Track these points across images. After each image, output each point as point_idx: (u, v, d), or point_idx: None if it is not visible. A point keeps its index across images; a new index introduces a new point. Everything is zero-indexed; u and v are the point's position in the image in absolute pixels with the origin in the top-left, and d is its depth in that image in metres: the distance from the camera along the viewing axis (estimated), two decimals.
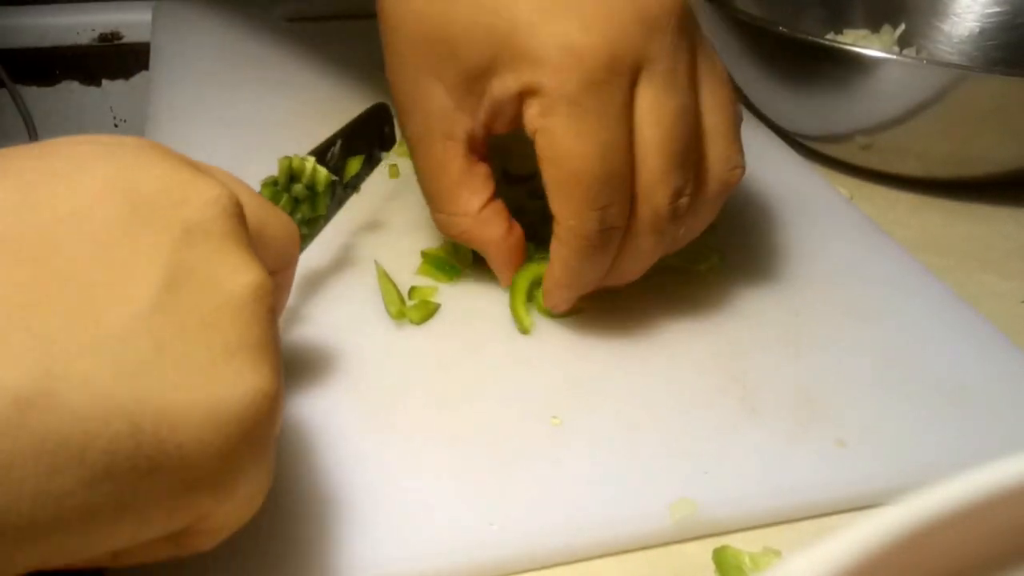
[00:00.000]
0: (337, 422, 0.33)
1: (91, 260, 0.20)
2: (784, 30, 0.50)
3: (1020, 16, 0.64)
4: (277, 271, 0.30)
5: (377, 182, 0.49)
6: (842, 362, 0.37)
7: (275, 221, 0.29)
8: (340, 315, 0.39)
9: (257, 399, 0.22)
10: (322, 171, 0.39)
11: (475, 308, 0.40)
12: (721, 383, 0.36)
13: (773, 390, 0.36)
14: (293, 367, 0.36)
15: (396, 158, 0.51)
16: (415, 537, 0.29)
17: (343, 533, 0.29)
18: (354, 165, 0.42)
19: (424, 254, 0.42)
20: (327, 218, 0.41)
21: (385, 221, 0.46)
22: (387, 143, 0.45)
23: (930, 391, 0.36)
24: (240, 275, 0.23)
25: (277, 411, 0.23)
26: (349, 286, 0.41)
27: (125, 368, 0.20)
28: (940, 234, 0.50)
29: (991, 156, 0.51)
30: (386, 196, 0.48)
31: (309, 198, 0.39)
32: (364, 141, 0.44)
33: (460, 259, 0.42)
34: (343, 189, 0.42)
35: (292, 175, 0.39)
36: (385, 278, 0.40)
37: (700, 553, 0.30)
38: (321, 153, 0.41)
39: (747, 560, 0.29)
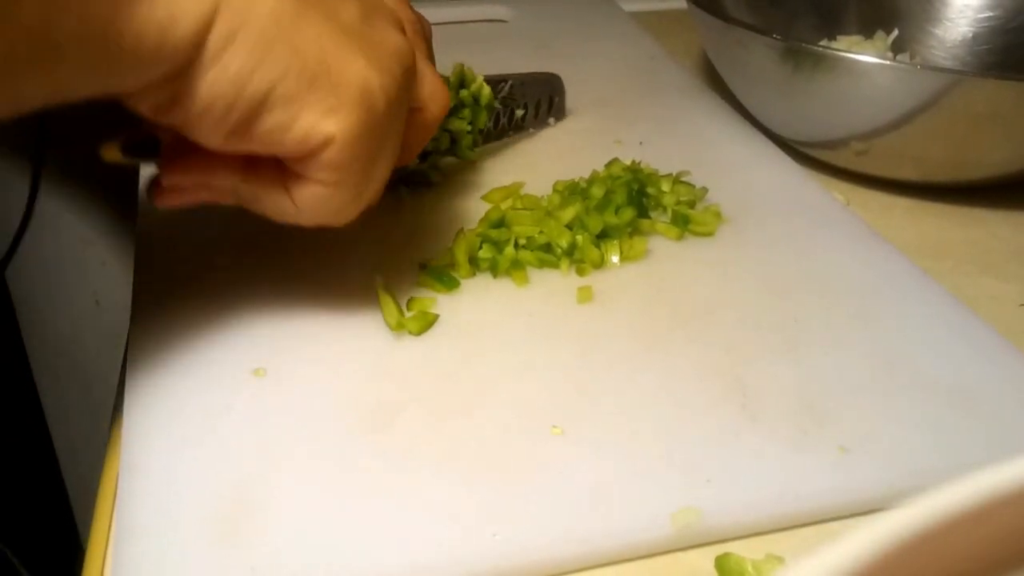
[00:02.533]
0: (337, 433, 0.33)
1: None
2: (778, 37, 0.50)
3: (1013, 20, 0.64)
4: (420, 107, 0.39)
5: None
6: (842, 368, 0.37)
7: (432, 78, 0.40)
8: (339, 327, 0.39)
9: (404, 47, 0.36)
10: (487, 88, 0.49)
11: (474, 319, 0.40)
12: (722, 390, 0.36)
13: (774, 397, 0.36)
14: (292, 381, 0.36)
15: None
16: (417, 548, 0.29)
17: (344, 544, 0.29)
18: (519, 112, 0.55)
19: (422, 265, 0.42)
20: (485, 139, 0.52)
21: (384, 233, 0.46)
22: (558, 112, 0.58)
23: (930, 395, 0.36)
24: (396, 36, 0.36)
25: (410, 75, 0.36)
26: (348, 298, 0.41)
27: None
28: (937, 238, 0.50)
29: (987, 160, 0.51)
30: (385, 208, 0.48)
31: (472, 106, 0.49)
32: (534, 96, 0.56)
33: (459, 271, 0.42)
34: (509, 126, 0.54)
35: (463, 81, 0.48)
36: (384, 290, 0.40)
37: (703, 561, 0.30)
38: (494, 82, 0.51)
39: (750, 567, 0.29)
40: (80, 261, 0.95)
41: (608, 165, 0.50)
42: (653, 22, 0.79)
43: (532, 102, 0.56)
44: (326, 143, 0.33)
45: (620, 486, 0.31)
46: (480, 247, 0.43)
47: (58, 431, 0.97)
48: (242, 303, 0.40)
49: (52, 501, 0.96)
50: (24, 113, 0.28)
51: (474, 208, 0.48)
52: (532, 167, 0.52)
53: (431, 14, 0.75)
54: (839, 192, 0.53)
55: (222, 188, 0.36)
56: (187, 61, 0.30)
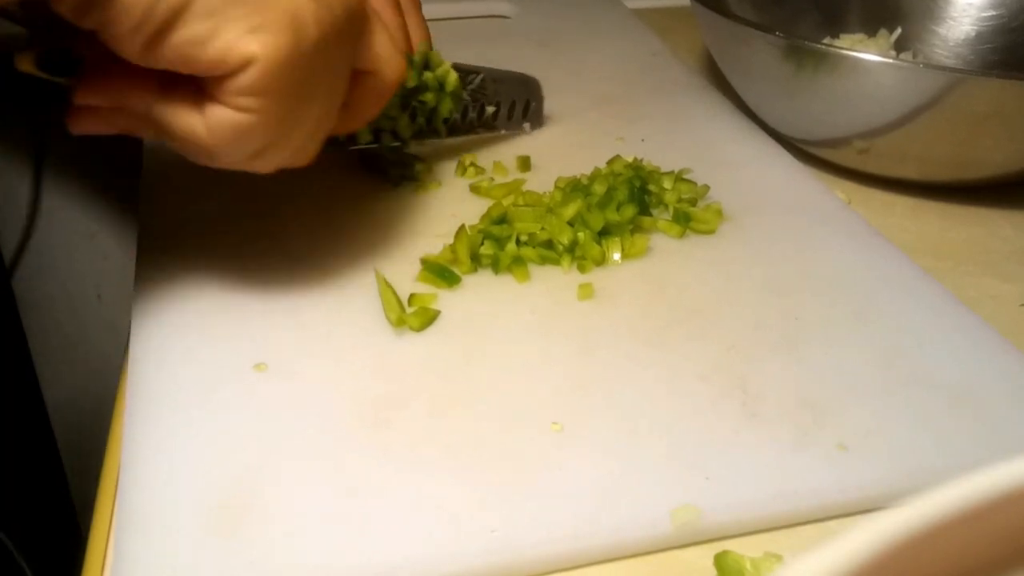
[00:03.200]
0: (338, 428, 0.33)
1: None
2: (781, 35, 0.50)
3: (1015, 19, 0.64)
4: (371, 71, 0.38)
5: (377, 189, 0.49)
6: (842, 366, 0.37)
7: (386, 44, 0.38)
8: (340, 322, 0.39)
9: None
10: (454, 74, 0.47)
11: (475, 315, 0.40)
12: (722, 388, 0.36)
13: (774, 394, 0.36)
14: (293, 376, 0.36)
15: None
16: (417, 543, 0.29)
17: (345, 540, 0.29)
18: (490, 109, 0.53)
19: (424, 261, 0.42)
20: (451, 131, 0.50)
21: (385, 229, 0.46)
22: (534, 119, 0.56)
23: (930, 394, 0.36)
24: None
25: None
26: (349, 293, 0.41)
27: None
28: (938, 237, 0.50)
29: (989, 159, 0.51)
30: (386, 205, 0.48)
31: (436, 90, 0.47)
32: (508, 96, 0.54)
33: (460, 267, 0.42)
34: (479, 121, 0.52)
35: (427, 63, 0.46)
36: (385, 285, 0.40)
37: (702, 558, 0.30)
38: (464, 71, 0.49)
39: (748, 565, 0.29)
40: (82, 255, 0.95)
41: (610, 162, 0.50)
42: (656, 19, 0.79)
43: (506, 101, 0.54)
44: (245, 63, 0.32)
45: (620, 483, 0.31)
46: (482, 243, 0.43)
47: (60, 423, 0.97)
48: (244, 298, 0.40)
49: (53, 493, 0.96)
50: None
51: (475, 204, 0.48)
52: (534, 164, 0.52)
53: (433, 10, 0.75)
54: (841, 191, 0.53)
55: (137, 111, 0.34)
56: None
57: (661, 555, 0.30)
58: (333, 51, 0.34)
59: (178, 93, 0.34)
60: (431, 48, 0.47)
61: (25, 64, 0.33)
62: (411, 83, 0.46)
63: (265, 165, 0.36)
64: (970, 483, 0.13)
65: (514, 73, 0.54)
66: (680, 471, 0.32)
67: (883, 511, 0.12)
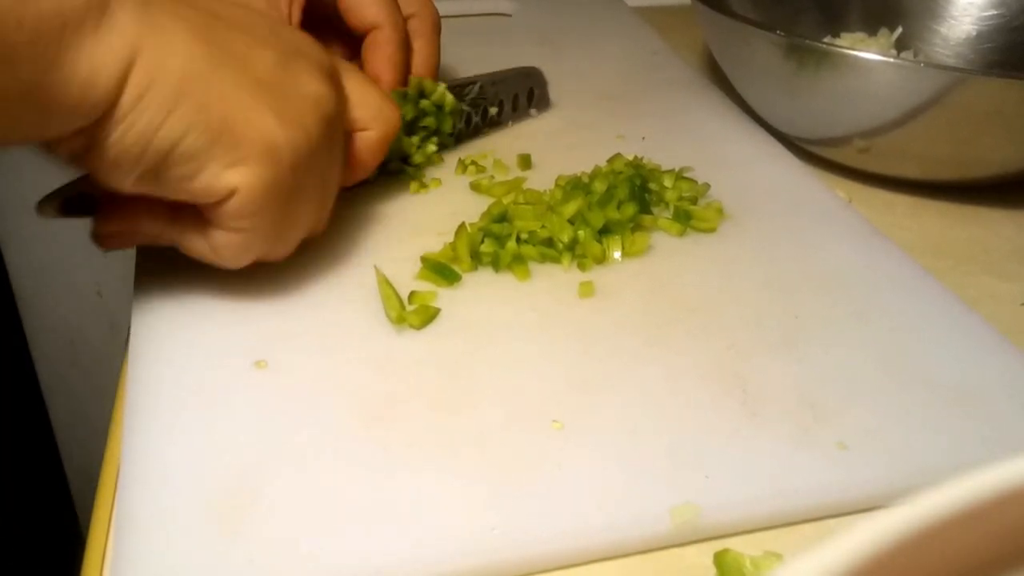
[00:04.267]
0: (338, 427, 0.33)
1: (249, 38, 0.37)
2: (781, 33, 0.50)
3: (1016, 19, 0.64)
4: (366, 129, 0.43)
5: (378, 187, 0.49)
6: (843, 365, 0.37)
7: (372, 101, 0.42)
8: (340, 320, 0.39)
9: (323, 96, 0.38)
10: (449, 95, 0.51)
11: (475, 313, 0.40)
12: (722, 387, 0.36)
13: (774, 393, 0.36)
14: (293, 374, 0.36)
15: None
16: (416, 541, 0.29)
17: (344, 537, 0.29)
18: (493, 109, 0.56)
19: (424, 259, 0.42)
20: (458, 140, 0.54)
21: (385, 226, 0.46)
22: (540, 103, 0.59)
23: (931, 393, 0.36)
24: (315, 85, 0.38)
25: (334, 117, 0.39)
26: (349, 291, 0.41)
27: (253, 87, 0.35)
28: (939, 236, 0.50)
29: (989, 158, 0.51)
30: (386, 202, 0.48)
31: (435, 113, 0.51)
32: (509, 92, 0.57)
33: (460, 265, 0.42)
34: (484, 123, 0.56)
35: (422, 92, 0.50)
36: (385, 283, 0.40)
37: (701, 557, 0.30)
38: (460, 86, 0.53)
39: (748, 563, 0.29)
40: (82, 252, 0.95)
41: (610, 160, 0.50)
42: (657, 17, 0.79)
43: (508, 98, 0.57)
44: (229, 194, 0.35)
45: (620, 481, 0.31)
46: (482, 241, 0.43)
47: (59, 421, 0.97)
48: (244, 295, 0.40)
49: (53, 491, 0.96)
50: None
51: (476, 202, 0.48)
52: (534, 162, 0.52)
53: None
54: (841, 189, 0.53)
55: (149, 234, 0.39)
56: (102, 115, 0.32)
57: (661, 553, 0.30)
58: (313, 160, 0.38)
59: (184, 216, 0.38)
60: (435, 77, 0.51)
61: (50, 211, 0.39)
62: (409, 116, 0.49)
63: (278, 255, 0.40)
64: (970, 482, 0.13)
65: (511, 70, 0.57)
66: (680, 469, 0.32)
67: (883, 510, 0.12)
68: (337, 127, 0.40)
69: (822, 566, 0.12)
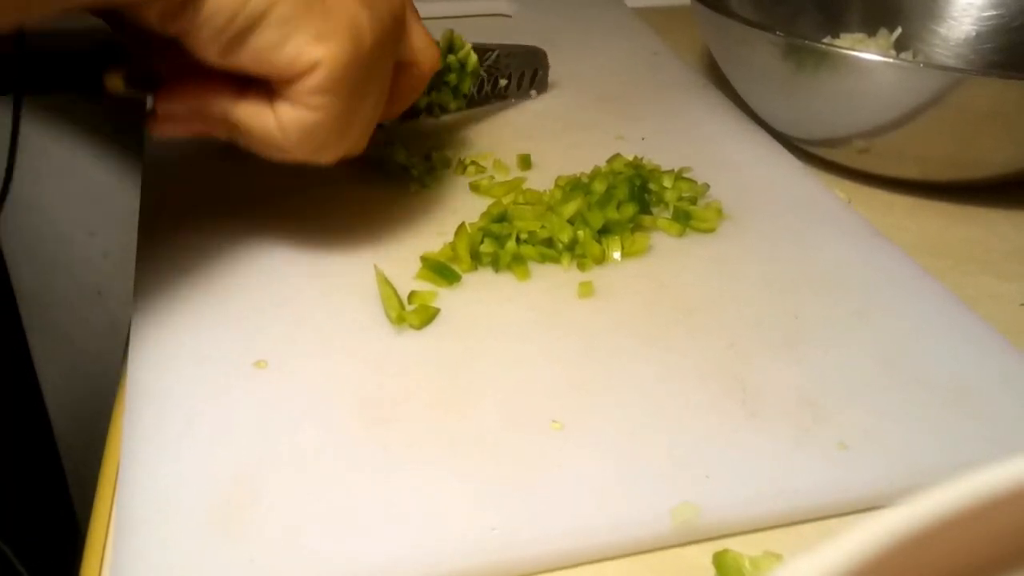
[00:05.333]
0: (338, 426, 0.33)
1: None
2: (781, 34, 0.50)
3: (1016, 19, 0.64)
4: (410, 62, 0.43)
5: (377, 186, 0.49)
6: (842, 365, 0.37)
7: (422, 36, 0.43)
8: (340, 320, 0.39)
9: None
10: (474, 55, 0.53)
11: (475, 313, 0.40)
12: (722, 387, 0.36)
13: (774, 393, 0.36)
14: (292, 373, 0.36)
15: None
16: (416, 541, 0.29)
17: (344, 537, 0.29)
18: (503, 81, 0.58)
19: (423, 259, 0.42)
20: (469, 104, 0.56)
21: (385, 226, 0.46)
22: (540, 86, 0.61)
23: (930, 393, 0.36)
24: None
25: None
26: (349, 291, 0.41)
27: None
28: (938, 237, 0.50)
29: (989, 159, 0.51)
30: (386, 202, 0.48)
31: (458, 70, 0.52)
32: (519, 68, 0.59)
33: (460, 265, 0.42)
34: (492, 93, 0.58)
35: (451, 46, 0.51)
36: (385, 283, 0.40)
37: (701, 557, 0.30)
38: (481, 50, 0.55)
39: (748, 564, 0.29)
40: (83, 253, 0.95)
41: (610, 160, 0.50)
42: (656, 18, 0.79)
43: (516, 73, 0.59)
44: (313, 66, 0.35)
45: (619, 481, 0.31)
46: (482, 241, 0.43)
47: (59, 421, 0.97)
48: (244, 295, 0.40)
49: (52, 491, 0.96)
50: (32, 21, 0.31)
51: (476, 202, 0.48)
52: (534, 162, 0.52)
53: (434, 8, 0.75)
54: (841, 190, 0.53)
55: (214, 115, 0.38)
56: None
57: (661, 553, 0.30)
58: (383, 53, 0.38)
59: (250, 95, 0.38)
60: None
61: (114, 82, 0.38)
62: (437, 66, 0.49)
63: (328, 156, 0.40)
64: (970, 482, 0.13)
65: (523, 46, 0.60)
66: (680, 469, 0.32)
67: (883, 510, 0.12)
68: (401, 34, 0.40)
69: (822, 566, 0.12)
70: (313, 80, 0.36)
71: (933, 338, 0.39)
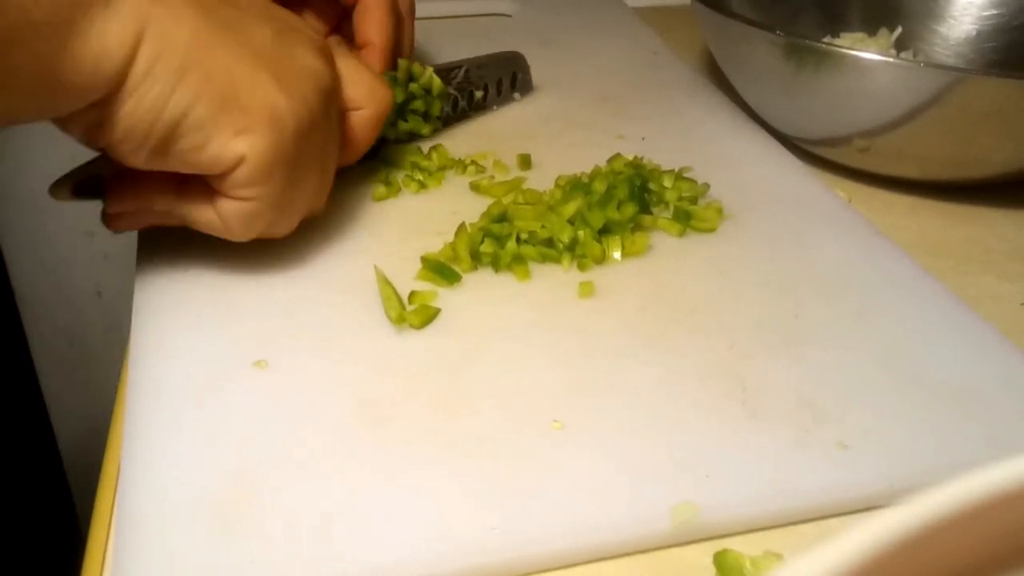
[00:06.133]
0: (338, 426, 0.33)
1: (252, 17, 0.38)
2: (781, 33, 0.50)
3: (1016, 18, 0.64)
4: (359, 108, 0.44)
5: (378, 186, 0.49)
6: (842, 364, 0.37)
7: (365, 81, 0.44)
8: (341, 320, 0.39)
9: (319, 70, 0.39)
10: (437, 79, 0.53)
11: (475, 313, 0.40)
12: (722, 386, 0.36)
13: (774, 393, 0.36)
14: (293, 373, 0.36)
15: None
16: (416, 541, 0.29)
17: (344, 538, 0.29)
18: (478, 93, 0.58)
19: (424, 259, 0.42)
20: (444, 122, 0.56)
21: (385, 226, 0.46)
22: (523, 88, 0.61)
23: (931, 393, 0.36)
24: (311, 59, 0.39)
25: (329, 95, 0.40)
26: (349, 291, 0.41)
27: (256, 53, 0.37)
28: (938, 236, 0.50)
29: (989, 158, 0.51)
30: (386, 201, 0.48)
31: (423, 97, 0.53)
32: (493, 76, 0.59)
33: (460, 265, 0.42)
34: (470, 107, 0.58)
35: (411, 75, 0.52)
36: (385, 283, 0.40)
37: (701, 557, 0.30)
38: (446, 70, 0.55)
39: (748, 564, 0.29)
40: (83, 253, 0.95)
41: (610, 160, 0.50)
42: (657, 18, 0.79)
43: (492, 82, 0.59)
44: (237, 162, 0.36)
45: (620, 481, 0.31)
46: (482, 241, 0.43)
47: (60, 421, 0.97)
48: (244, 295, 0.40)
49: (52, 491, 0.96)
50: None
51: (476, 202, 0.48)
52: (534, 162, 0.52)
53: (434, 8, 0.75)
54: (841, 189, 0.53)
55: (159, 211, 0.40)
56: (114, 89, 0.33)
57: (661, 553, 0.30)
58: (314, 130, 0.39)
59: (192, 191, 0.39)
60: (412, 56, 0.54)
61: (62, 194, 0.40)
62: (399, 99, 0.51)
63: (282, 231, 0.41)
64: (970, 482, 0.13)
65: (495, 54, 0.60)
66: (680, 469, 0.32)
67: (883, 510, 0.12)
68: (333, 101, 0.41)
69: (822, 566, 0.12)
70: (241, 175, 0.37)
71: (933, 338, 0.39)
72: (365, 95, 0.44)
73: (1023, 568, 0.14)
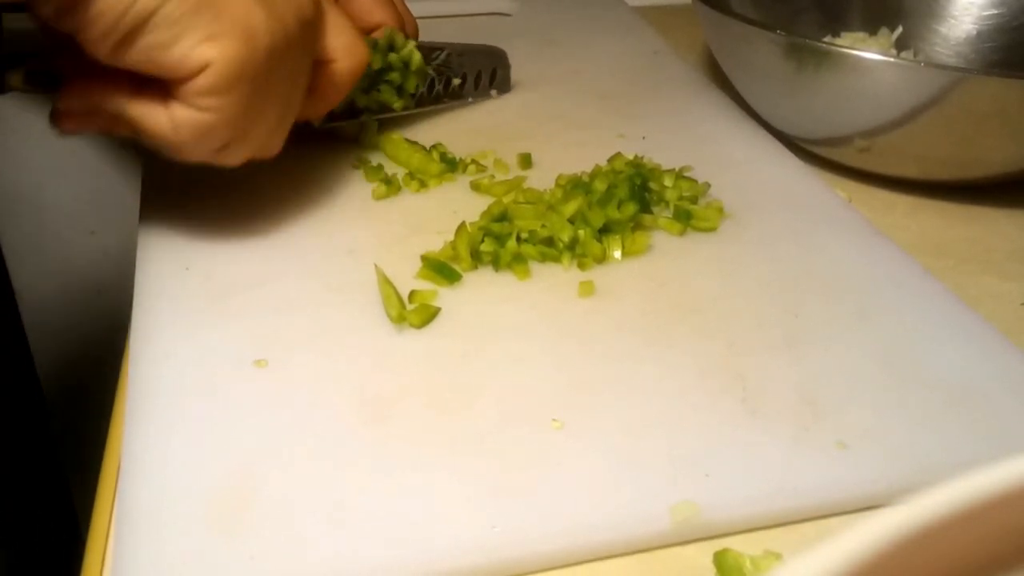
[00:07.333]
0: (338, 424, 0.33)
1: None
2: (781, 33, 0.50)
3: (1017, 18, 0.64)
4: (335, 60, 0.43)
5: (378, 185, 0.49)
6: (843, 364, 0.37)
7: (346, 33, 0.43)
8: (341, 319, 0.39)
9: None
10: (417, 54, 0.52)
11: (475, 312, 0.40)
12: (722, 385, 0.36)
13: (774, 392, 0.36)
14: (293, 372, 0.36)
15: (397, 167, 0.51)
16: (416, 539, 0.29)
17: (344, 536, 0.29)
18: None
19: (424, 258, 0.42)
20: (418, 103, 0.55)
21: (385, 225, 0.46)
22: (501, 85, 0.60)
23: (931, 392, 0.36)
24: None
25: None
26: (349, 290, 0.41)
27: None
28: (939, 236, 0.50)
29: (989, 158, 0.51)
30: (386, 200, 0.48)
31: (400, 69, 0.52)
32: (473, 67, 0.58)
33: (460, 264, 0.42)
34: (445, 92, 0.57)
35: (392, 45, 0.51)
36: (385, 282, 0.40)
37: (701, 556, 0.30)
38: (428, 49, 0.54)
39: (748, 563, 0.29)
40: (83, 252, 0.95)
41: (611, 160, 0.50)
42: (657, 17, 0.79)
43: (472, 72, 0.59)
44: (202, 67, 0.35)
45: (619, 480, 0.31)
46: (482, 240, 0.43)
47: (59, 420, 0.97)
48: (244, 294, 0.40)
49: (52, 491, 0.96)
50: None
51: (476, 201, 0.48)
52: (535, 161, 0.52)
53: (434, 7, 0.75)
54: (841, 189, 0.53)
55: (111, 112, 0.39)
56: None
57: (660, 552, 0.30)
58: (286, 57, 0.38)
59: (146, 95, 0.38)
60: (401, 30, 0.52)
61: (15, 81, 0.39)
62: (376, 65, 0.50)
63: (230, 159, 0.40)
64: (970, 481, 0.13)
65: (479, 45, 0.59)
66: (680, 468, 0.32)
67: (883, 509, 0.12)
68: (311, 36, 0.40)
69: (822, 565, 0.12)
70: (203, 81, 0.36)
71: (933, 338, 0.39)
72: (343, 47, 0.43)
73: (1023, 568, 0.14)
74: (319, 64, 0.42)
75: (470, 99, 0.59)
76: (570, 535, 0.30)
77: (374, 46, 0.49)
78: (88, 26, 0.34)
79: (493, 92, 0.60)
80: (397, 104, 0.53)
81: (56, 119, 0.40)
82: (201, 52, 0.35)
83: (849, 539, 0.12)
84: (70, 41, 0.35)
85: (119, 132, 0.40)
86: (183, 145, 0.38)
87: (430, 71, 0.55)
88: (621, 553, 0.30)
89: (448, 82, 0.57)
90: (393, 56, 0.51)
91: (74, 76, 0.39)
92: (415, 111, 0.56)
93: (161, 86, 0.37)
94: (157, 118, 0.38)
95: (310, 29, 0.40)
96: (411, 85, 0.53)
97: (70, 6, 0.33)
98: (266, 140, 0.41)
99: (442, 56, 0.56)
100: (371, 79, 0.51)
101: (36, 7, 0.34)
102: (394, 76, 0.52)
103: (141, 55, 0.35)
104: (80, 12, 0.33)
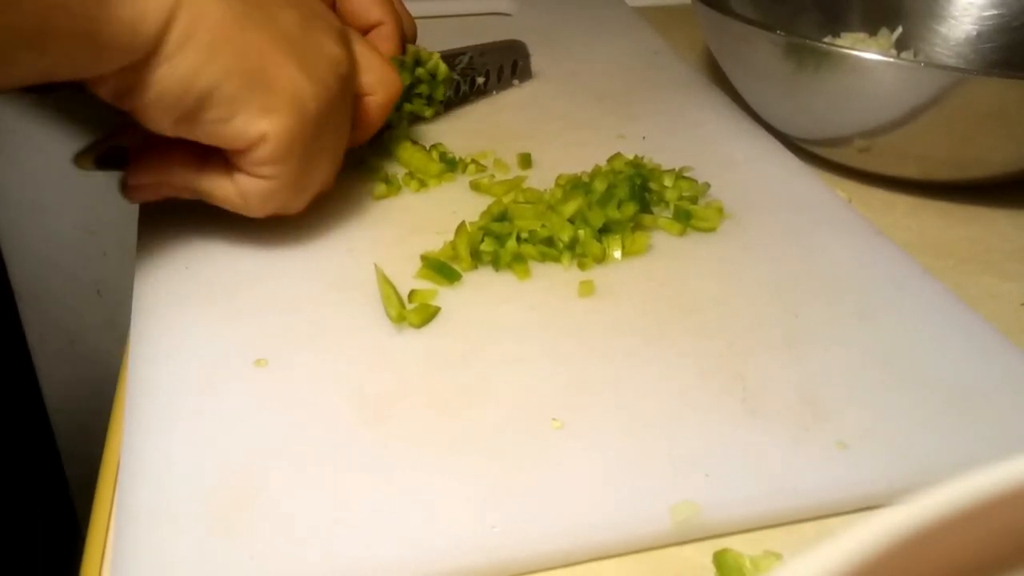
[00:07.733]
0: (338, 424, 0.33)
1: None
2: (781, 33, 0.50)
3: (1017, 18, 0.64)
4: (371, 94, 0.45)
5: (378, 185, 0.49)
6: (843, 364, 0.37)
7: (378, 67, 0.45)
8: (341, 318, 0.39)
9: (340, 57, 0.41)
10: (443, 65, 0.55)
11: (475, 311, 0.40)
12: (722, 385, 0.36)
13: (774, 392, 0.36)
14: (293, 372, 0.36)
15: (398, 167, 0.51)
16: (416, 539, 0.29)
17: (344, 535, 0.29)
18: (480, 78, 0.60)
19: (424, 258, 0.42)
20: (447, 107, 0.58)
21: (385, 225, 0.46)
22: (522, 75, 0.63)
23: (931, 393, 0.36)
24: (332, 46, 0.41)
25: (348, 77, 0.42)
26: (349, 289, 0.41)
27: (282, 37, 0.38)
28: (939, 236, 0.50)
29: (989, 158, 0.51)
30: (386, 200, 0.48)
31: (429, 81, 0.55)
32: (495, 62, 0.61)
33: (460, 264, 0.42)
34: (471, 92, 0.59)
35: (418, 60, 0.54)
36: (385, 281, 0.40)
37: (701, 556, 0.30)
38: (451, 56, 0.57)
39: (748, 563, 0.29)
40: (82, 251, 0.95)
41: (611, 160, 0.50)
42: (657, 17, 0.79)
43: (494, 68, 0.61)
44: (260, 140, 0.38)
45: (619, 480, 0.31)
46: (482, 240, 0.43)
47: (59, 420, 0.97)
48: (244, 294, 0.40)
49: (52, 491, 0.96)
50: (6, 90, 0.34)
51: (476, 201, 0.48)
52: (535, 161, 0.52)
53: (434, 7, 0.75)
54: (842, 189, 0.53)
55: (179, 184, 0.42)
56: (147, 55, 0.34)
57: (660, 552, 0.30)
58: (332, 114, 0.41)
59: (211, 166, 0.41)
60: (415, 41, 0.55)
61: (85, 163, 0.42)
62: (405, 83, 0.52)
63: (295, 208, 0.43)
64: (970, 482, 0.13)
65: (498, 42, 0.62)
66: (680, 468, 0.32)
67: (883, 509, 0.12)
68: (349, 87, 0.43)
69: (822, 566, 0.12)
70: (262, 152, 0.38)
71: (933, 338, 0.39)
72: (377, 81, 0.45)
73: (1023, 568, 0.14)
74: (356, 99, 0.45)
75: (494, 92, 0.61)
76: (570, 535, 0.30)
77: (401, 65, 0.52)
78: (147, 107, 0.36)
79: (515, 82, 0.62)
80: (428, 112, 0.56)
81: (126, 192, 0.42)
82: (257, 125, 0.37)
83: (849, 539, 0.12)
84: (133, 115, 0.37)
85: (187, 197, 0.42)
86: (250, 209, 0.41)
87: (455, 76, 0.57)
88: (621, 553, 0.30)
89: (473, 82, 0.59)
90: (420, 70, 0.54)
91: (141, 149, 0.41)
92: (444, 115, 0.58)
93: (223, 154, 0.39)
94: (224, 189, 0.41)
95: (348, 82, 0.42)
96: (439, 94, 0.56)
97: (127, 89, 0.35)
98: (325, 182, 0.43)
99: (465, 60, 0.58)
100: (402, 94, 0.53)
101: (94, 88, 0.36)
102: (423, 88, 0.55)
103: (201, 129, 0.37)
104: (138, 96, 0.35)
